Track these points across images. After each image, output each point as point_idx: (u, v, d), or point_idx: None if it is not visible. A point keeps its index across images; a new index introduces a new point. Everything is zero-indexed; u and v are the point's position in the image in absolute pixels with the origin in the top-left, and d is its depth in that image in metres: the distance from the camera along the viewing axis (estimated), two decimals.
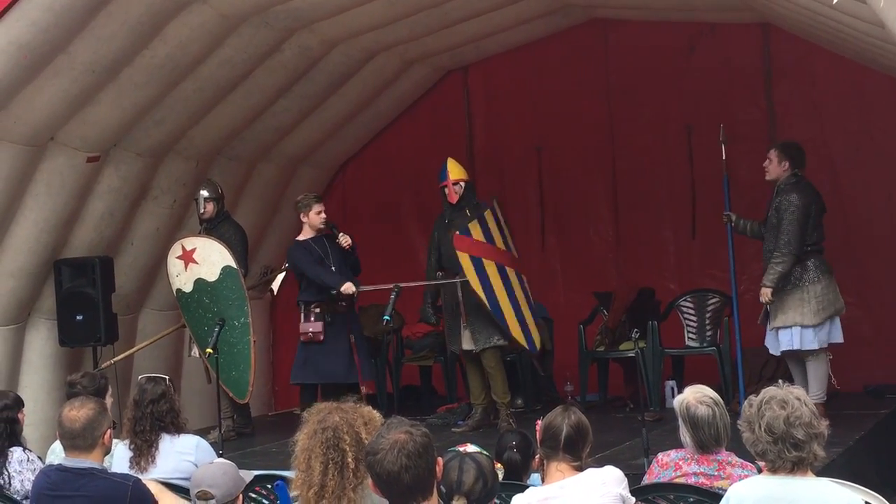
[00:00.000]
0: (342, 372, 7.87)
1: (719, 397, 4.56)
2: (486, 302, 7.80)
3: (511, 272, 8.03)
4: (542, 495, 4.09)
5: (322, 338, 7.85)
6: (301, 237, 8.04)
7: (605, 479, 4.09)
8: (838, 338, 7.32)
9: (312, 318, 7.91)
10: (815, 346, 7.18)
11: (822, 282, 7.21)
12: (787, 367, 7.54)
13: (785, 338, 7.20)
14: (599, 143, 9.88)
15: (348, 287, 7.80)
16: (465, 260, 7.84)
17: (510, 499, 4.42)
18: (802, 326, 7.15)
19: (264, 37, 7.94)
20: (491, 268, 7.93)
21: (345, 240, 7.91)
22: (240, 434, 8.37)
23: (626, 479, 4.16)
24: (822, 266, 7.25)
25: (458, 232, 7.91)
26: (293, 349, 10.50)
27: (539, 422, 4.32)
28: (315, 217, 7.96)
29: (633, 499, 4.17)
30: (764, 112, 9.39)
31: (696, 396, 4.50)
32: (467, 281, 7.79)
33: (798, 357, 7.31)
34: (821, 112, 9.24)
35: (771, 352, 7.43)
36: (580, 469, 4.13)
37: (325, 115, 9.44)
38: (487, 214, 8.04)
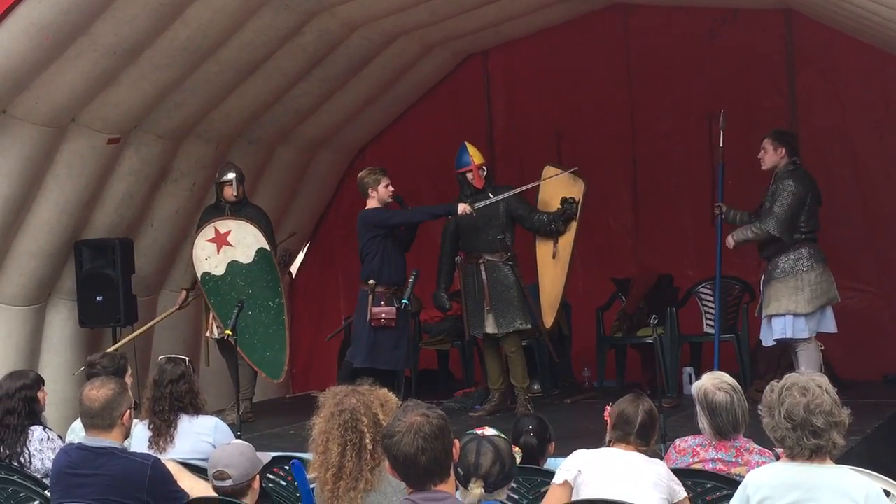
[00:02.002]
0: (404, 359, 7.75)
1: (737, 384, 4.56)
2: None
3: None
4: (607, 457, 4.26)
5: (394, 324, 7.65)
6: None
7: (661, 465, 4.25)
8: (830, 327, 7.24)
9: (383, 303, 7.68)
10: (805, 335, 7.12)
11: (816, 270, 7.15)
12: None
13: (778, 326, 7.15)
14: (619, 130, 9.85)
15: (465, 208, 7.71)
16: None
17: (528, 482, 4.45)
18: (795, 315, 7.09)
19: (285, 20, 7.94)
20: None
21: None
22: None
23: (676, 483, 4.23)
24: (817, 254, 7.19)
25: None
26: (311, 331, 10.59)
27: (608, 408, 4.44)
28: (384, 191, 7.83)
29: (685, 494, 4.22)
30: (786, 99, 9.34)
31: (714, 383, 4.51)
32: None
33: (789, 346, 7.28)
34: (843, 100, 9.18)
35: (764, 343, 7.40)
36: (646, 453, 4.30)
37: (344, 98, 9.44)
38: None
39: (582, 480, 4.17)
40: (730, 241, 7.33)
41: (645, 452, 4.32)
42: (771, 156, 7.30)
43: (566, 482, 4.19)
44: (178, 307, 8.61)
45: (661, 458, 4.70)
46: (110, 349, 8.09)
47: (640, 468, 4.18)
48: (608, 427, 4.39)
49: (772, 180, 7.34)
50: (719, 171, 7.82)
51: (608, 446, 4.40)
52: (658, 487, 4.12)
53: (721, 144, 7.79)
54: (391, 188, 7.88)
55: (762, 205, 7.41)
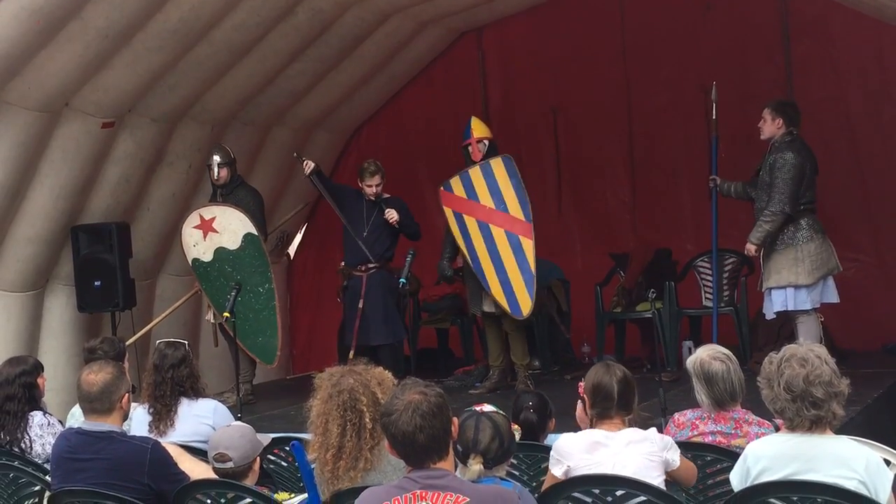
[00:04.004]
0: (350, 336, 8.07)
1: (732, 354, 4.56)
2: (467, 258, 7.88)
3: (498, 232, 7.86)
4: (592, 438, 4.14)
5: (339, 301, 8.09)
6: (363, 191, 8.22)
7: (653, 439, 4.13)
8: (832, 297, 7.19)
9: (344, 283, 8.17)
10: (807, 307, 7.05)
11: (816, 241, 7.08)
12: None
13: (778, 298, 7.09)
14: (615, 104, 9.81)
15: None
16: (448, 214, 7.97)
17: (528, 459, 4.44)
18: (795, 287, 7.03)
19: (277, 0, 7.90)
20: (472, 225, 7.91)
21: (390, 215, 8.03)
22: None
23: (671, 445, 4.15)
24: (815, 225, 7.13)
25: (442, 187, 8.03)
26: (310, 314, 10.61)
27: (581, 384, 4.32)
28: (366, 188, 8.13)
29: (679, 462, 4.16)
30: (782, 71, 9.30)
31: (709, 353, 4.51)
32: None
33: (790, 318, 7.25)
34: (839, 70, 9.15)
35: (766, 316, 7.37)
36: (632, 422, 4.19)
37: (339, 78, 9.40)
38: (474, 171, 7.94)
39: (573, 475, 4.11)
40: (751, 248, 7.17)
41: (632, 420, 4.20)
42: (769, 126, 7.25)
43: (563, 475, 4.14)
44: (196, 290, 8.60)
45: (661, 428, 4.68)
46: (134, 336, 8.14)
47: (630, 452, 4.07)
48: (585, 404, 4.25)
49: (768, 150, 7.29)
50: (713, 144, 7.79)
51: (590, 425, 4.26)
52: (651, 467, 4.05)
53: (714, 117, 7.75)
54: (373, 189, 8.10)
55: (757, 173, 7.37)
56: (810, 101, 9.06)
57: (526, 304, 7.75)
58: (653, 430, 4.22)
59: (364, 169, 8.20)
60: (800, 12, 9.21)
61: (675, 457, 4.13)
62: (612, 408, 4.15)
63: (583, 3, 9.75)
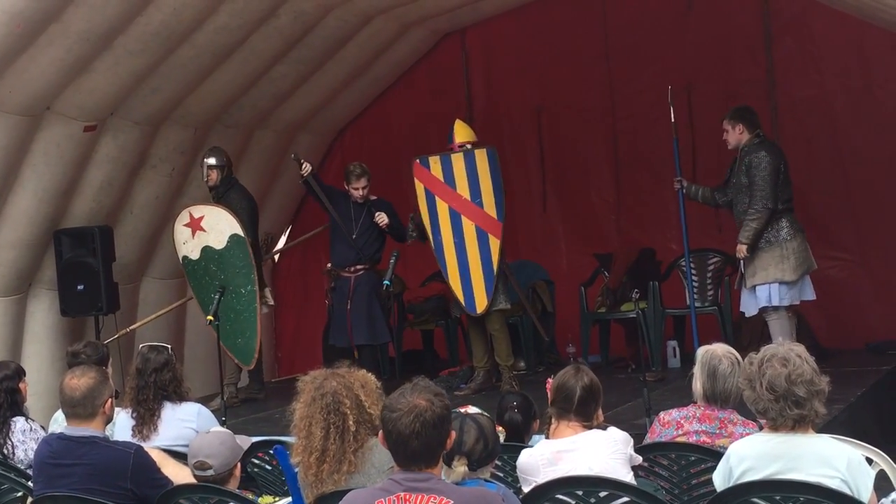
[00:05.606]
0: (341, 336, 8.09)
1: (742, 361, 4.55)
2: (430, 239, 7.88)
3: (468, 225, 7.84)
4: (554, 448, 4.13)
5: (327, 302, 8.14)
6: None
7: (616, 438, 4.14)
8: (810, 295, 7.31)
9: (331, 284, 8.23)
10: (787, 303, 7.16)
11: (798, 239, 7.20)
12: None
13: (763, 294, 7.17)
14: (599, 104, 9.83)
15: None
16: (419, 189, 7.95)
17: (512, 460, 4.43)
18: (781, 282, 7.13)
19: (259, 2, 7.87)
20: (443, 209, 7.90)
21: (380, 218, 8.05)
22: (253, 399, 8.42)
23: (631, 440, 4.19)
24: (795, 224, 7.24)
25: (417, 160, 7.99)
26: (295, 316, 10.59)
27: (550, 380, 4.32)
28: (353, 191, 8.13)
29: (640, 457, 4.20)
30: (764, 70, 9.32)
31: (723, 351, 4.52)
32: None
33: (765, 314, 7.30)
34: (821, 69, 9.17)
35: (747, 314, 7.41)
36: (590, 428, 4.17)
37: (322, 80, 9.39)
38: (456, 158, 7.90)
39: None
40: (742, 249, 7.19)
41: (588, 427, 4.17)
42: (732, 135, 7.36)
43: None
44: (190, 297, 8.60)
45: (646, 427, 4.68)
46: (116, 335, 8.12)
47: (597, 454, 4.07)
48: (549, 400, 4.27)
49: (738, 156, 7.34)
50: (674, 146, 7.79)
51: (542, 427, 4.25)
52: (619, 467, 4.06)
53: (672, 120, 7.76)
54: (360, 192, 8.11)
55: (727, 180, 7.43)
56: (793, 99, 9.13)
57: (482, 303, 7.82)
58: (612, 428, 4.22)
59: (350, 172, 8.19)
60: (781, 11, 9.24)
61: (633, 451, 4.15)
62: (570, 410, 4.16)
63: (566, 3, 9.76)
